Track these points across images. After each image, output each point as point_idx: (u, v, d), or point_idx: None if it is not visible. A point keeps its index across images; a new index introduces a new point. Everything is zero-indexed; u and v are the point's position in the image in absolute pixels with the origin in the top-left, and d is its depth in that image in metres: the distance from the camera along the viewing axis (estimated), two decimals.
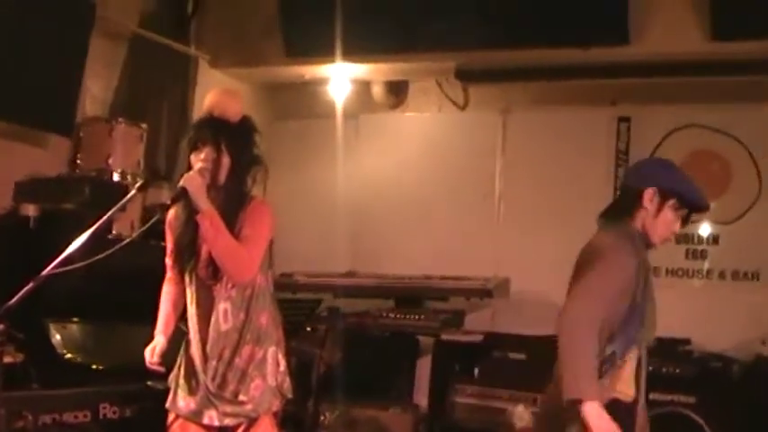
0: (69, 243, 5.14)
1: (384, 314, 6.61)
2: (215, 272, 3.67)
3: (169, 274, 3.93)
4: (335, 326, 6.41)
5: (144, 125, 5.89)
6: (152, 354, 3.80)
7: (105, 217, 3.55)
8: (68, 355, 5.02)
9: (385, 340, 6.82)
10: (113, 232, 5.60)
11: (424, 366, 6.83)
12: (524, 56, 6.29)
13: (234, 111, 3.81)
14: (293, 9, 6.68)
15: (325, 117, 7.54)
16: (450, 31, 6.23)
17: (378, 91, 7.39)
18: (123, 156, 5.73)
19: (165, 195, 5.66)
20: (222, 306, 3.69)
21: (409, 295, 6.75)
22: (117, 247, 3.42)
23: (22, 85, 5.29)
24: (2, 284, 4.98)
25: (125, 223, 5.66)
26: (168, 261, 3.89)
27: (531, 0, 6.10)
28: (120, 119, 5.80)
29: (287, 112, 7.86)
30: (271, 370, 3.72)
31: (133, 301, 4.35)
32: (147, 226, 3.65)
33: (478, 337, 6.63)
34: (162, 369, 3.79)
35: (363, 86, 7.44)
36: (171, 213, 3.85)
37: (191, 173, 3.64)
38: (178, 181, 3.65)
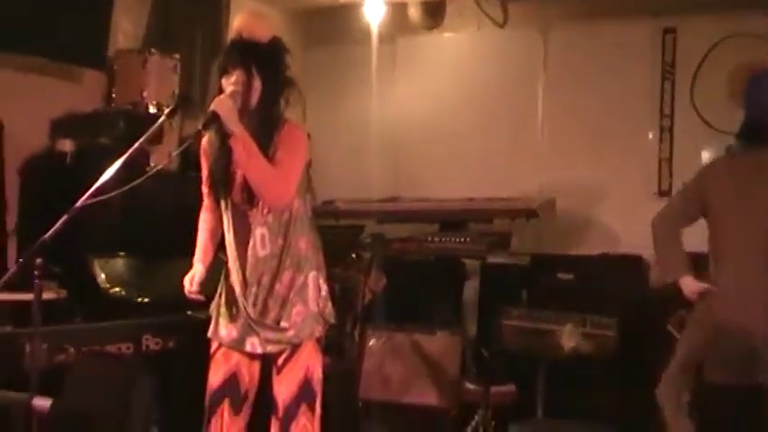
0: (107, 180, 5.24)
1: (428, 238, 6.50)
2: (250, 197, 3.59)
3: (206, 201, 3.87)
4: (379, 252, 6.29)
5: (177, 56, 5.81)
6: (191, 283, 3.75)
7: (136, 144, 3.48)
8: (111, 290, 5.04)
9: (430, 265, 6.72)
10: (151, 164, 5.57)
11: (470, 290, 6.74)
12: None
13: (262, 32, 3.70)
14: None
15: (360, 42, 7.36)
16: None
17: (414, 12, 7.21)
18: (157, 88, 5.67)
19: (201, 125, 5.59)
20: (259, 231, 3.62)
21: (453, 218, 6.63)
22: (148, 174, 3.35)
23: (52, 20, 5.21)
24: (41, 221, 5.11)
25: (162, 154, 5.60)
26: (204, 188, 3.82)
27: None
28: (152, 50, 5.73)
29: (320, 38, 7.70)
30: (312, 295, 3.65)
31: (174, 234, 4.28)
32: (179, 150, 3.58)
33: (525, 259, 6.56)
34: (201, 298, 3.74)
35: (399, 8, 7.25)
36: (204, 140, 3.78)
37: (221, 96, 3.56)
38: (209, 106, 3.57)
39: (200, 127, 3.51)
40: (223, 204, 3.72)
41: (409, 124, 7.40)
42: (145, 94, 5.63)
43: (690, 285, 4.36)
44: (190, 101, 3.83)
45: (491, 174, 7.05)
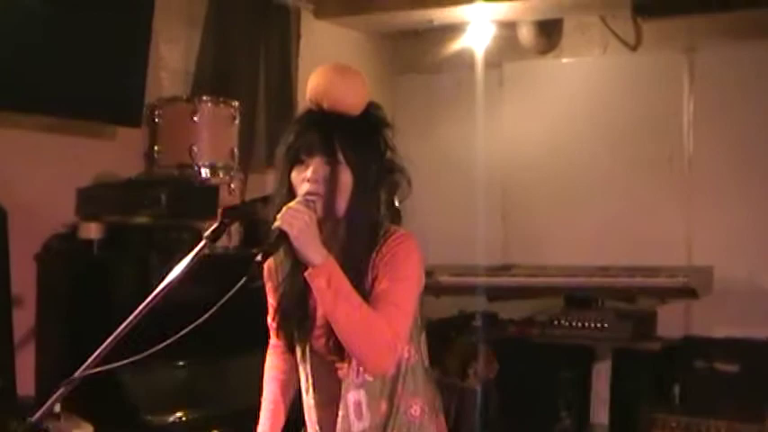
0: (144, 263, 4.10)
1: (554, 322, 5.30)
2: (338, 345, 2.40)
3: (273, 339, 2.71)
4: (491, 337, 5.30)
5: (236, 102, 4.63)
6: None
7: (165, 282, 2.35)
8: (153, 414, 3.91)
9: (550, 348, 5.51)
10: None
11: (600, 381, 5.47)
12: None
13: (353, 99, 2.49)
14: None
15: (460, 68, 6.20)
16: None
17: (525, 33, 5.93)
18: (211, 144, 4.53)
19: (269, 183, 4.39)
20: (353, 397, 2.46)
21: (584, 294, 5.37)
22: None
23: (75, 73, 4.05)
24: (63, 321, 4.04)
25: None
26: (270, 321, 2.63)
27: None
28: (204, 96, 4.56)
29: (412, 65, 6.54)
30: None
31: (236, 326, 3.30)
32: (224, 299, 2.37)
33: (674, 344, 5.32)
34: None
35: (507, 29, 6.00)
36: (269, 261, 2.57)
37: (292, 205, 2.35)
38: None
39: (259, 256, 2.31)
40: (299, 352, 2.57)
41: (521, 169, 6.16)
42: (195, 150, 4.47)
43: None
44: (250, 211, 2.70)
45: (626, 229, 5.77)
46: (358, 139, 2.43)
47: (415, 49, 6.54)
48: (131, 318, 2.34)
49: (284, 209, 2.35)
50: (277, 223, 2.32)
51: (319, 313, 2.45)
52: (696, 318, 5.57)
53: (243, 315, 2.70)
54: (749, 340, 5.24)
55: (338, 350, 2.42)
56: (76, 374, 2.30)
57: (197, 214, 4.20)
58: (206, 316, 2.28)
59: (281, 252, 2.50)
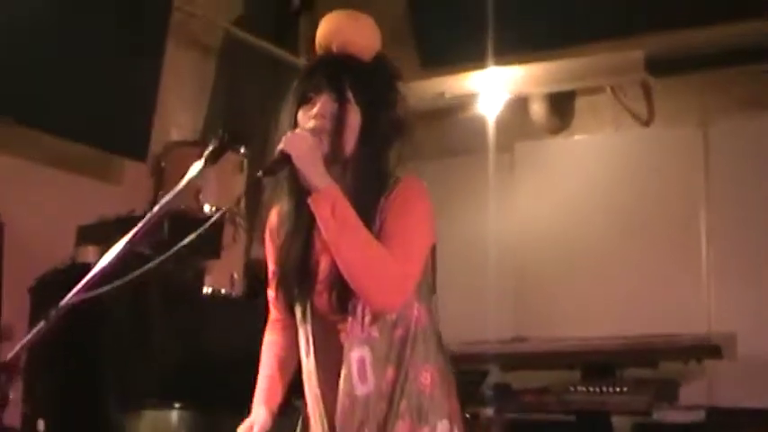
0: (142, 299, 3.96)
1: (571, 389, 5.04)
2: (342, 299, 2.28)
3: (273, 314, 2.57)
4: (506, 408, 5.02)
5: (243, 150, 4.56)
6: None
7: (145, 219, 2.30)
8: None
9: (567, 426, 5.27)
10: (206, 289, 4.31)
11: None
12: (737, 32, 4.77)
13: (364, 43, 2.42)
14: (428, 5, 5.31)
15: (471, 152, 6.15)
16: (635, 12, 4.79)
17: (537, 110, 5.92)
18: (218, 190, 4.43)
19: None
20: (356, 354, 2.28)
21: (603, 361, 5.15)
22: (144, 269, 2.17)
23: (86, 99, 4.03)
24: (53, 352, 3.85)
25: (223, 276, 4.36)
26: (270, 292, 2.47)
27: None
28: (211, 141, 4.47)
29: (421, 151, 6.44)
30: None
31: (239, 379, 2.95)
32: (215, 216, 2.23)
33: (699, 415, 5.06)
34: None
35: (519, 107, 5.99)
36: (272, 214, 2.46)
37: (297, 131, 2.25)
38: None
39: (260, 172, 2.18)
40: (299, 313, 2.40)
41: (533, 247, 6.02)
42: (201, 197, 4.37)
43: None
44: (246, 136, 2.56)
45: (640, 307, 5.56)
46: (368, 81, 2.36)
47: (423, 135, 6.49)
48: (120, 244, 2.21)
49: (288, 134, 2.25)
50: (280, 146, 2.22)
51: (322, 264, 2.31)
52: (722, 388, 5.30)
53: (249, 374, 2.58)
54: None
55: (341, 306, 2.28)
56: (64, 302, 2.19)
57: (200, 250, 4.09)
58: (166, 255, 2.15)
59: (284, 201, 2.39)
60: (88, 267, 3.85)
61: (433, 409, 2.29)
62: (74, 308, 3.88)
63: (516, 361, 5.38)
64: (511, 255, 6.02)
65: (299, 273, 2.34)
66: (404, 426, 2.25)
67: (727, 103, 5.65)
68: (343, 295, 2.25)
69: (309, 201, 2.18)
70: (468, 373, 4.92)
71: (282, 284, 2.40)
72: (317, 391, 2.33)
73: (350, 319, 2.27)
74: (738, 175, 5.61)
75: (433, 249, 2.41)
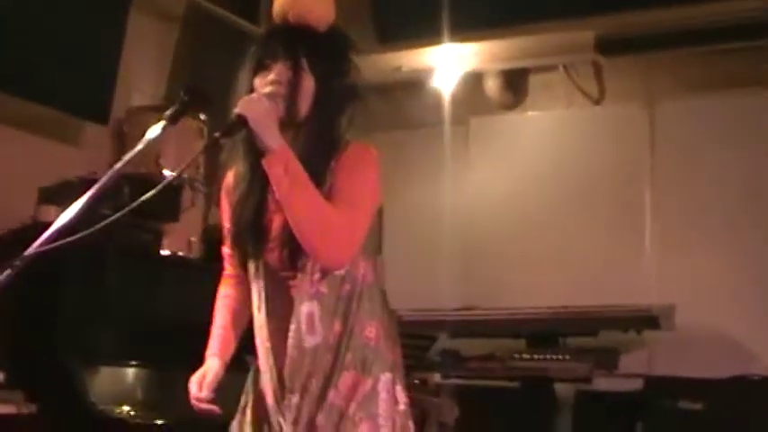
0: (100, 259, 4.04)
1: (516, 356, 5.20)
2: (293, 255, 2.39)
3: (227, 269, 2.68)
4: (453, 373, 5.16)
5: (203, 116, 4.64)
6: (199, 385, 2.50)
7: (104, 178, 2.32)
8: (101, 407, 3.78)
9: (511, 393, 5.44)
10: (164, 251, 4.40)
11: (564, 423, 5.36)
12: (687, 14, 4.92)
13: (319, 13, 2.53)
14: None
15: (426, 125, 6.29)
16: None
17: (492, 86, 6.05)
18: (178, 156, 4.50)
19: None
20: (306, 308, 2.39)
21: (546, 330, 5.31)
22: (100, 226, 2.22)
23: (46, 62, 4.09)
24: (12, 310, 3.93)
25: (181, 239, 4.45)
26: (225, 249, 2.60)
27: None
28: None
29: (378, 123, 6.57)
30: (385, 408, 2.39)
31: (193, 340, 3.01)
32: (175, 175, 2.34)
33: (637, 383, 5.22)
34: (216, 409, 2.47)
35: (474, 82, 6.12)
36: (229, 174, 2.58)
37: (253, 95, 2.37)
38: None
39: (217, 134, 2.30)
40: (252, 269, 2.50)
41: (485, 219, 6.17)
42: (161, 162, 4.46)
43: None
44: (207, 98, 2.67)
45: (587, 278, 5.74)
46: (322, 50, 2.46)
47: (380, 108, 6.59)
48: (80, 202, 2.30)
49: (244, 98, 2.37)
50: (236, 109, 2.33)
51: (275, 221, 2.43)
52: (660, 358, 5.49)
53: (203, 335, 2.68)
54: (712, 380, 5.16)
55: (292, 262, 2.39)
56: (29, 251, 2.26)
57: (158, 213, 4.18)
58: (124, 211, 2.25)
59: (240, 161, 2.51)
60: (49, 226, 3.98)
61: (377, 362, 2.40)
62: (34, 264, 3.98)
63: (464, 328, 5.50)
64: (463, 226, 6.16)
65: (252, 230, 2.46)
66: (349, 376, 2.36)
67: (675, 83, 5.82)
68: (295, 252, 2.37)
69: (264, 161, 2.30)
70: (417, 338, 5.06)
71: (236, 241, 2.51)
72: (268, 344, 2.44)
73: (300, 275, 2.39)
74: (682, 154, 5.79)
75: (380, 211, 2.54)
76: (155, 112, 4.51)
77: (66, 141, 4.46)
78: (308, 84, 2.42)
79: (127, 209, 2.23)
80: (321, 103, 2.44)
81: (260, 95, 2.37)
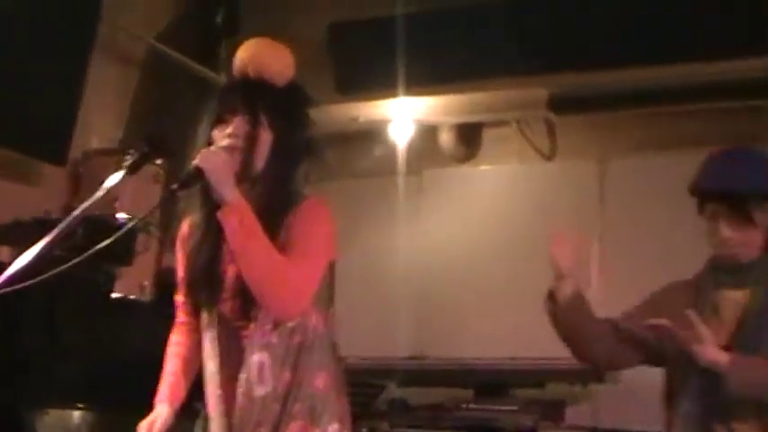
0: (54, 301, 4.04)
1: (463, 406, 5.25)
2: (246, 305, 2.46)
3: (180, 317, 2.70)
4: (400, 422, 5.17)
5: (160, 161, 4.68)
6: (149, 431, 2.51)
7: (63, 223, 2.50)
8: None
9: None
10: (116, 294, 4.41)
11: None
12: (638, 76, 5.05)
13: (279, 68, 2.60)
14: (345, 35, 5.51)
15: (380, 175, 6.34)
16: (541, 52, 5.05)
17: (446, 139, 6.14)
18: (134, 198, 4.51)
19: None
20: (257, 358, 2.46)
21: (494, 381, 5.37)
22: (59, 269, 2.28)
23: (5, 103, 4.11)
24: None
25: (133, 282, 4.46)
26: (178, 297, 2.64)
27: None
28: (130, 151, 4.58)
29: (333, 172, 6.63)
30: None
31: (145, 384, 3.04)
32: (128, 225, 2.38)
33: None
34: None
35: (428, 134, 6.20)
36: (184, 224, 2.63)
37: (211, 148, 2.43)
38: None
39: (174, 185, 2.35)
40: (205, 318, 2.55)
41: (437, 270, 6.18)
42: (117, 205, 4.47)
43: None
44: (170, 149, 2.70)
45: (536, 330, 5.69)
46: (280, 105, 2.53)
47: (336, 156, 6.66)
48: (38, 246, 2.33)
49: (203, 151, 2.42)
50: (195, 161, 2.39)
51: (229, 272, 2.48)
52: (604, 410, 5.51)
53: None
54: None
55: (245, 312, 2.45)
56: None
57: (112, 256, 4.19)
58: (81, 258, 2.28)
59: (195, 212, 2.56)
60: (2, 267, 3.98)
61: (325, 412, 2.46)
62: None
63: (413, 377, 5.55)
64: (415, 276, 6.18)
65: (206, 279, 2.51)
66: (296, 426, 2.42)
67: (625, 142, 5.93)
68: (248, 303, 2.42)
69: (219, 213, 2.35)
70: (366, 386, 5.08)
71: (190, 290, 2.56)
72: (219, 391, 2.48)
73: (252, 325, 2.45)
74: (631, 212, 5.87)
75: (332, 266, 2.60)
76: (111, 156, 4.60)
77: (21, 181, 4.47)
78: (266, 138, 2.48)
79: (86, 254, 2.26)
80: (278, 157, 2.50)
81: (218, 148, 2.42)
